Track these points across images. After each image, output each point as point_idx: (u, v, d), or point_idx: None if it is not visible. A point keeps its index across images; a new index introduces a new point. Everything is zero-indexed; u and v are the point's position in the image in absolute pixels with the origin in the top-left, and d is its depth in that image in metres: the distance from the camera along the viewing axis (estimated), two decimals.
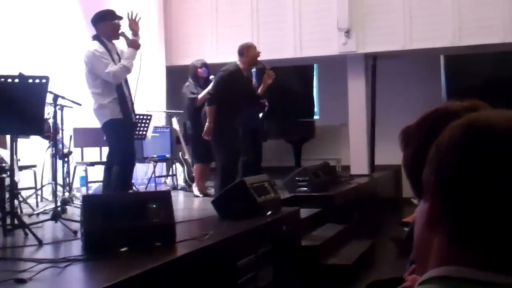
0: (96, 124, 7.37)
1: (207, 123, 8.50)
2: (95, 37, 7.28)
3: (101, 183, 8.04)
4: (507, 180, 0.94)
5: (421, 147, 1.32)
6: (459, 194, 0.97)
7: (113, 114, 7.13)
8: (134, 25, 7.32)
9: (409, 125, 1.50)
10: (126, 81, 7.31)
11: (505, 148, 0.96)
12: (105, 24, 7.28)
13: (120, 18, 7.40)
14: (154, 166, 10.63)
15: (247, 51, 8.75)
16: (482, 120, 1.01)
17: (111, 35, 7.30)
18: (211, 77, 9.55)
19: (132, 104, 7.37)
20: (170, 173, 11.28)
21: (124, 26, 7.41)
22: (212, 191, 9.13)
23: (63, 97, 7.16)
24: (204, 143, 9.11)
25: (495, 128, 0.98)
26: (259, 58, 8.92)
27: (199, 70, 9.72)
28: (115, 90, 7.12)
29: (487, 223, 0.95)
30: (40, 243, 5.12)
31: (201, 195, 9.41)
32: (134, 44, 7.24)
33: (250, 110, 10.07)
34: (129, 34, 7.32)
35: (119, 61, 7.17)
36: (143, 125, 9.78)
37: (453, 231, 0.99)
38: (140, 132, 9.65)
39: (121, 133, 7.15)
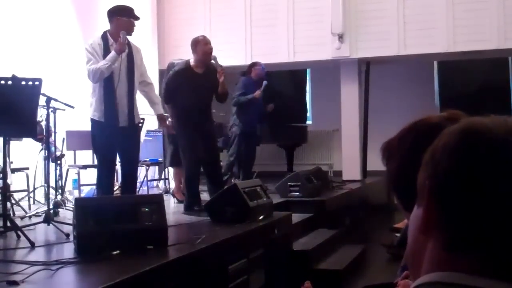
0: (89, 127, 7.34)
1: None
2: (103, 33, 7.10)
3: (94, 186, 8.03)
4: (503, 185, 0.94)
5: (405, 160, 1.33)
6: (454, 200, 0.97)
7: (93, 114, 7.05)
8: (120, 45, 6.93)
9: (390, 139, 1.51)
10: (129, 86, 7.14)
11: (501, 153, 0.96)
12: (117, 20, 7.03)
13: (136, 18, 7.16)
14: (147, 170, 10.59)
15: (196, 47, 8.11)
16: (477, 126, 1.00)
17: (117, 32, 6.94)
18: None
19: (131, 108, 7.14)
20: (163, 176, 11.28)
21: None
22: (204, 195, 9.02)
23: (56, 100, 7.16)
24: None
25: (491, 134, 0.98)
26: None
27: None
28: (103, 90, 6.97)
29: (483, 229, 0.95)
30: (33, 246, 5.12)
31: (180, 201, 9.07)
32: (117, 49, 6.86)
33: (248, 115, 10.05)
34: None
35: (124, 62, 7.04)
36: None
37: (447, 237, 0.99)
38: None
39: (96, 136, 7.10)
